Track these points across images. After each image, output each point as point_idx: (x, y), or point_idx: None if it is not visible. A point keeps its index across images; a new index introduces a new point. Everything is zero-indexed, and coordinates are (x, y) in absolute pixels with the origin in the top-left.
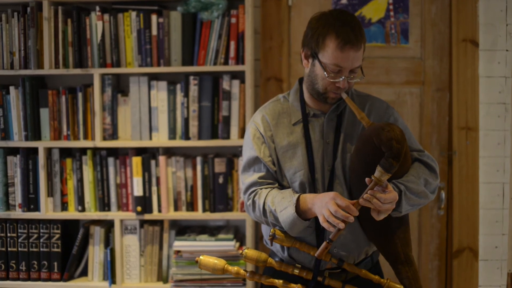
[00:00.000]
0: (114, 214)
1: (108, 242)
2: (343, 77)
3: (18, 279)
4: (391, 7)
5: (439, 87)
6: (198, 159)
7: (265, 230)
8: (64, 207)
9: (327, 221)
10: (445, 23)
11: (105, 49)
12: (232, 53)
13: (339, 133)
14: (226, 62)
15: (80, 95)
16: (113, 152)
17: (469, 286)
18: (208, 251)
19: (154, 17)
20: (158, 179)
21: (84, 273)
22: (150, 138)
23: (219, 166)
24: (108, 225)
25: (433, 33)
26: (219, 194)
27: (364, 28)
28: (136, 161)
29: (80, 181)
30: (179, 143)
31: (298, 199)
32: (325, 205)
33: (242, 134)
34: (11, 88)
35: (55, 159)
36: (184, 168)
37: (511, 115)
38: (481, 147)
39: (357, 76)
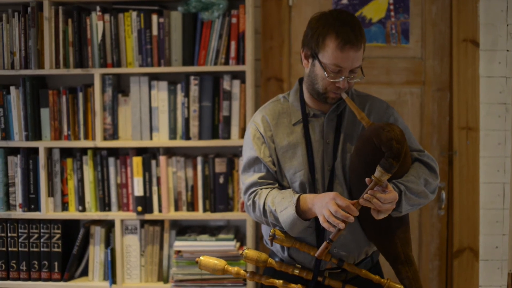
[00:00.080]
0: (114, 214)
1: (108, 242)
2: (343, 77)
3: (18, 279)
4: (391, 7)
5: (439, 87)
6: (199, 159)
7: (265, 230)
8: (64, 207)
9: (327, 221)
10: (445, 23)
11: (105, 49)
12: (232, 53)
13: (339, 133)
14: (226, 62)
15: (80, 95)
16: (114, 152)
17: (470, 286)
18: (209, 251)
19: (154, 17)
20: (158, 179)
21: (85, 273)
22: (151, 138)
23: (220, 166)
24: (108, 225)
25: (433, 33)
26: (219, 194)
27: (364, 28)
28: (137, 161)
29: (81, 181)
30: (179, 143)
31: (298, 199)
32: (325, 205)
33: (242, 134)
34: (12, 88)
35: (55, 159)
36: (184, 168)
37: None
38: (482, 147)
39: (357, 76)
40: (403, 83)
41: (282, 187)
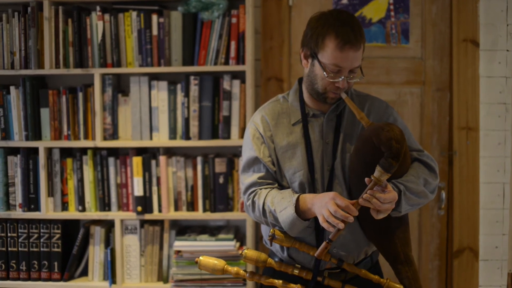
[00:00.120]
0: (114, 214)
1: (108, 242)
2: (343, 77)
3: (18, 279)
4: (391, 7)
5: (439, 87)
6: (199, 159)
7: (265, 230)
8: (64, 207)
9: (327, 221)
10: (445, 23)
11: (105, 49)
12: (232, 53)
13: (338, 133)
14: (226, 62)
15: (80, 95)
16: (114, 152)
17: (470, 286)
18: (209, 251)
19: (154, 17)
20: (158, 179)
21: (85, 273)
22: (151, 138)
23: (220, 166)
24: (108, 225)
25: (433, 33)
26: (219, 194)
27: (364, 28)
28: (137, 161)
29: (81, 181)
30: (179, 143)
31: (297, 199)
32: (324, 205)
33: (242, 134)
34: (12, 88)
35: (55, 159)
36: (184, 168)
37: None
38: (482, 147)
39: (356, 76)
40: (403, 83)
41: (281, 187)
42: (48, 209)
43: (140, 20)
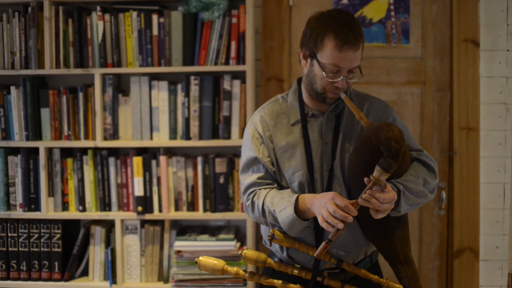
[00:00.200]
0: (114, 214)
1: (108, 242)
2: (342, 77)
3: (19, 279)
4: (392, 7)
5: (439, 87)
6: (199, 159)
7: (264, 231)
8: (65, 207)
9: (326, 221)
10: (446, 23)
11: (106, 49)
12: (233, 53)
13: (337, 133)
14: (227, 62)
15: (81, 95)
16: (114, 152)
17: (470, 286)
18: (209, 251)
19: (155, 17)
20: (159, 179)
21: (85, 273)
22: (151, 138)
23: (220, 166)
24: (108, 225)
25: (434, 33)
26: (219, 194)
27: (365, 28)
28: (137, 161)
29: (81, 181)
30: (180, 143)
31: (297, 199)
32: (324, 205)
33: (243, 134)
34: (12, 88)
35: (56, 159)
36: (185, 168)
37: None
38: (482, 147)
39: (355, 76)
40: (403, 83)
41: (281, 187)
42: (48, 209)
43: (140, 20)
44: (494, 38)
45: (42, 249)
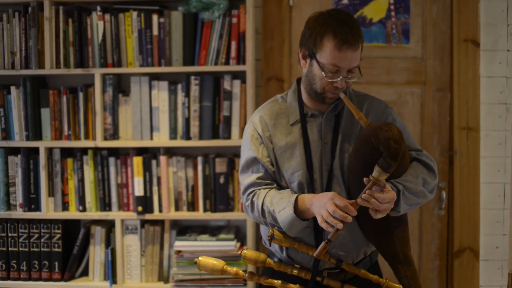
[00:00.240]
0: (115, 214)
1: (109, 242)
2: (341, 77)
3: (19, 279)
4: (392, 7)
5: (440, 87)
6: (199, 159)
7: (264, 231)
8: (65, 207)
9: (326, 221)
10: (446, 23)
11: (106, 49)
12: (233, 53)
13: (337, 133)
14: (227, 62)
15: (81, 95)
16: (114, 152)
17: (470, 286)
18: (209, 251)
19: (155, 17)
20: (159, 179)
21: (85, 273)
22: (151, 138)
23: (220, 166)
24: (109, 225)
25: (434, 33)
26: (220, 194)
27: (365, 28)
28: (137, 161)
29: (81, 181)
30: (180, 143)
31: (296, 199)
32: (323, 205)
33: (243, 134)
34: (12, 88)
35: (56, 159)
36: (185, 168)
37: None
38: (482, 147)
39: (355, 76)
40: (403, 83)
41: (280, 187)
42: (48, 209)
43: (140, 20)
44: (494, 38)
45: (42, 249)
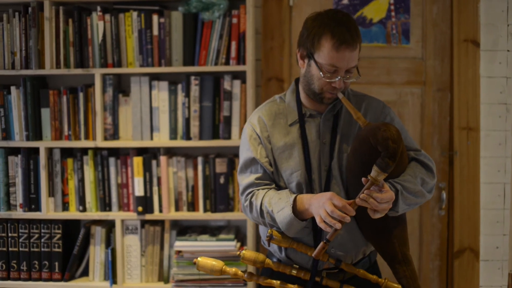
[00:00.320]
0: (115, 214)
1: (109, 242)
2: (339, 77)
3: (19, 279)
4: (392, 7)
5: (440, 87)
6: (199, 159)
7: (263, 231)
8: (65, 207)
9: (324, 221)
10: (446, 23)
11: (106, 49)
12: (233, 53)
13: (335, 133)
14: (227, 62)
15: (81, 95)
16: (114, 152)
17: (470, 286)
18: (209, 251)
19: (155, 17)
20: (159, 179)
21: (85, 273)
22: (151, 138)
23: (220, 166)
24: (109, 225)
25: (434, 33)
26: (220, 194)
27: (365, 28)
28: (137, 161)
29: (81, 181)
30: (180, 143)
31: (295, 200)
32: (321, 206)
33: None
34: (12, 88)
35: (56, 159)
36: (185, 168)
37: None
38: (482, 147)
39: (353, 76)
40: (403, 83)
41: (279, 187)
42: (48, 209)
43: (140, 20)
44: (495, 38)
45: (42, 249)
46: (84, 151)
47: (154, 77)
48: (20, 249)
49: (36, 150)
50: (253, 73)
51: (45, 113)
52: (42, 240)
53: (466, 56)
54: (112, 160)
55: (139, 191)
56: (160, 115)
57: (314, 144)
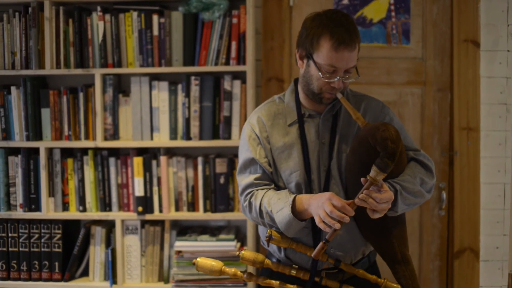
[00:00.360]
0: (115, 214)
1: (109, 242)
2: (338, 78)
3: (19, 279)
4: (392, 7)
5: (440, 87)
6: (199, 159)
7: (262, 231)
8: (65, 207)
9: (323, 221)
10: (446, 23)
11: (106, 49)
12: (233, 53)
13: (334, 133)
14: (227, 63)
15: (81, 95)
16: (114, 152)
17: (470, 286)
18: (209, 252)
19: (155, 17)
20: (159, 179)
21: (85, 273)
22: (151, 138)
23: (220, 166)
24: (109, 225)
25: (434, 34)
26: (220, 195)
27: (365, 29)
28: (137, 161)
29: (81, 181)
30: (180, 143)
31: (294, 200)
32: (321, 206)
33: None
34: (13, 88)
35: (56, 159)
36: (185, 168)
37: None
38: (482, 147)
39: (352, 76)
40: (404, 83)
41: (278, 187)
42: (49, 209)
43: (140, 21)
44: (495, 39)
45: (42, 249)
46: (84, 151)
47: (154, 77)
48: (20, 249)
49: (36, 150)
50: (253, 73)
51: (45, 113)
52: (42, 240)
53: (466, 56)
54: (112, 160)
55: (139, 191)
56: (160, 115)
57: (313, 144)
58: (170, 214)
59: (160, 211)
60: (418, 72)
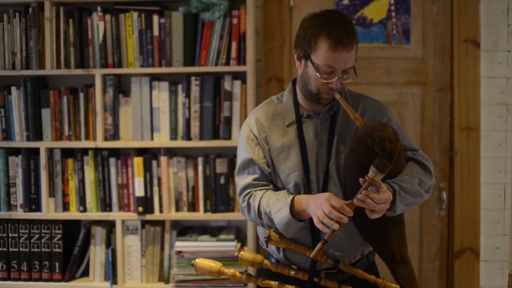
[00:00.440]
0: (115, 215)
1: (109, 242)
2: (336, 78)
3: (19, 279)
4: (392, 7)
5: (440, 87)
6: (200, 160)
7: (261, 232)
8: (65, 207)
9: (322, 222)
10: (446, 23)
11: (106, 50)
12: (233, 53)
13: (333, 133)
14: (227, 63)
15: (81, 95)
16: (115, 152)
17: (470, 286)
18: (209, 252)
19: (155, 18)
20: (159, 179)
21: (86, 273)
22: (152, 139)
23: (221, 166)
24: (109, 226)
25: (434, 34)
26: (220, 195)
27: (365, 29)
28: (138, 161)
29: (82, 181)
30: (180, 143)
31: (292, 201)
32: (319, 206)
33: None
34: (13, 89)
35: (56, 160)
36: (185, 169)
37: None
38: (483, 147)
39: (350, 77)
40: (404, 83)
41: (276, 188)
42: (49, 210)
43: (141, 21)
44: (495, 39)
45: (42, 249)
46: (85, 151)
47: (155, 77)
48: (21, 249)
49: (36, 151)
50: (253, 74)
51: (46, 114)
52: (43, 240)
53: (466, 56)
54: (112, 161)
55: (139, 191)
56: (161, 115)
57: (312, 145)
58: (171, 214)
59: (161, 211)
60: (418, 72)
